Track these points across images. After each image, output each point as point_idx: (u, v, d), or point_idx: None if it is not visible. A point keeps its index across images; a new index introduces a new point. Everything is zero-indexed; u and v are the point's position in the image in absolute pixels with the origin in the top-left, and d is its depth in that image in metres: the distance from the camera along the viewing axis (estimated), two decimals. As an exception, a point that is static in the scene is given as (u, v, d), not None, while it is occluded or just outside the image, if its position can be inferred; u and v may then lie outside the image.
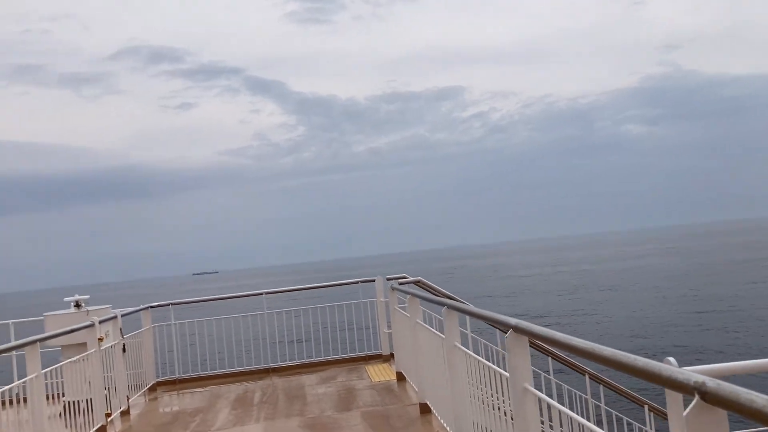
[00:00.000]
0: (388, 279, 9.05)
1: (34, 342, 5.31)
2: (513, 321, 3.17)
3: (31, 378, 5.27)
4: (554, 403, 3.11)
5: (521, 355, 3.18)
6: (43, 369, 5.49)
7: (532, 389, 3.10)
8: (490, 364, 3.92)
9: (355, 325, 9.51)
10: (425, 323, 6.06)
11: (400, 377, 7.91)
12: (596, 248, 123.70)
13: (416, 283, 8.05)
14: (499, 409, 3.84)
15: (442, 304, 4.89)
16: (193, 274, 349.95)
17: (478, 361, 4.15)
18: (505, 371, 3.40)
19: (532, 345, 4.13)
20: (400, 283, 7.92)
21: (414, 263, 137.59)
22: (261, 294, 9.42)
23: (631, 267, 63.19)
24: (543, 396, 3.15)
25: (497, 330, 6.66)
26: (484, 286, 56.94)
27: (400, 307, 7.71)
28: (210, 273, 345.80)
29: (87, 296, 8.11)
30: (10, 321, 8.74)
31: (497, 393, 3.69)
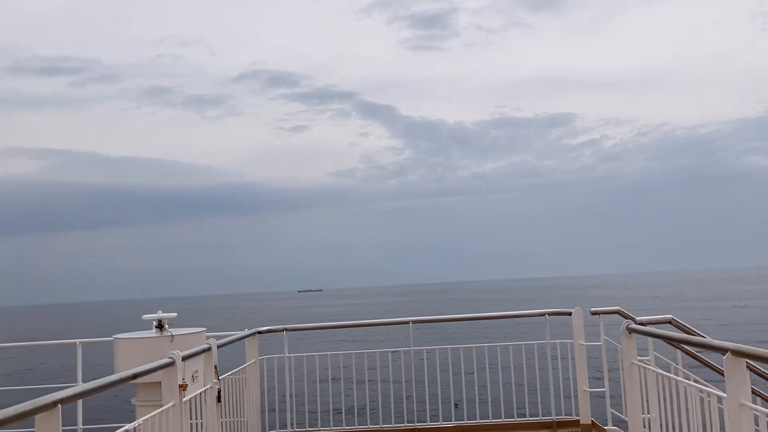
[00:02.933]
0: (595, 313, 6.20)
1: (53, 405, 2.83)
2: None
3: None
4: None
5: None
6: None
7: None
8: None
9: (537, 375, 6.62)
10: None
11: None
12: (746, 283, 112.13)
13: (669, 323, 5.12)
14: None
15: (721, 350, 3.31)
16: (299, 291, 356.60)
17: None
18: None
19: None
20: (640, 323, 5.02)
21: (539, 291, 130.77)
22: (407, 323, 6.75)
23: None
24: None
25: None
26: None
27: (642, 360, 4.86)
28: (315, 291, 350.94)
29: (174, 314, 5.79)
30: (78, 340, 6.60)
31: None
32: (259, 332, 6.47)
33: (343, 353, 6.75)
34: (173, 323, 5.78)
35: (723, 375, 3.37)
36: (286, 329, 6.66)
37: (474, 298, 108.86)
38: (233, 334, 6.15)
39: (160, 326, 5.63)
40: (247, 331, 6.31)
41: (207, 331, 5.97)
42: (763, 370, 4.76)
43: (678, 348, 4.90)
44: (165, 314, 5.68)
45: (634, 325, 4.87)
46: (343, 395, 7.00)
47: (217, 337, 5.56)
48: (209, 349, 5.05)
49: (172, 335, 5.46)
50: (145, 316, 5.69)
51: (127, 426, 3.91)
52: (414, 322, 6.72)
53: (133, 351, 5.47)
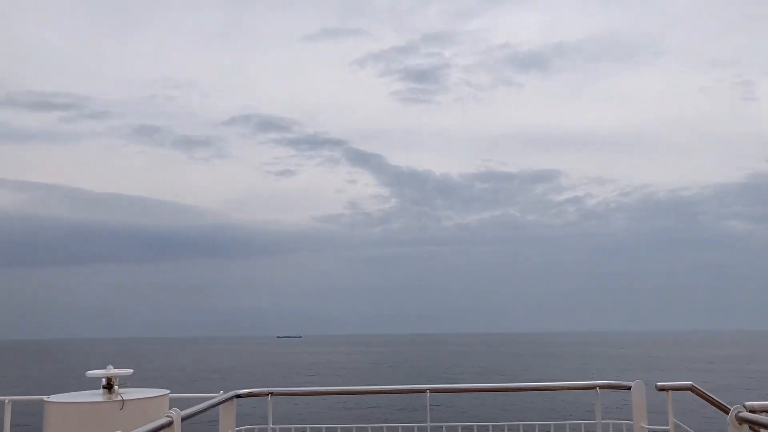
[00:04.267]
0: (663, 388, 4.95)
1: None
2: None
3: None
4: None
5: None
6: None
7: None
8: None
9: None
10: None
11: None
12: (727, 346, 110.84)
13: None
14: None
15: None
16: (278, 337, 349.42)
17: None
18: None
19: None
20: (751, 409, 3.76)
21: (524, 345, 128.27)
22: (424, 391, 5.41)
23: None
24: None
25: None
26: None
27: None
28: (294, 337, 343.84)
29: (128, 371, 4.44)
30: (7, 398, 5.18)
31: None
32: (238, 396, 5.11)
33: (342, 427, 5.35)
34: (126, 382, 4.44)
35: None
36: (272, 393, 5.29)
37: (464, 350, 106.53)
38: (205, 398, 4.79)
39: (108, 386, 4.30)
40: (222, 395, 4.94)
41: (172, 392, 4.63)
42: None
43: None
44: (116, 371, 4.35)
45: (748, 414, 3.61)
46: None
47: (186, 400, 4.24)
48: (170, 423, 3.69)
49: (123, 400, 4.13)
50: (90, 373, 4.36)
51: None
52: (432, 390, 5.40)
53: (70, 419, 4.12)
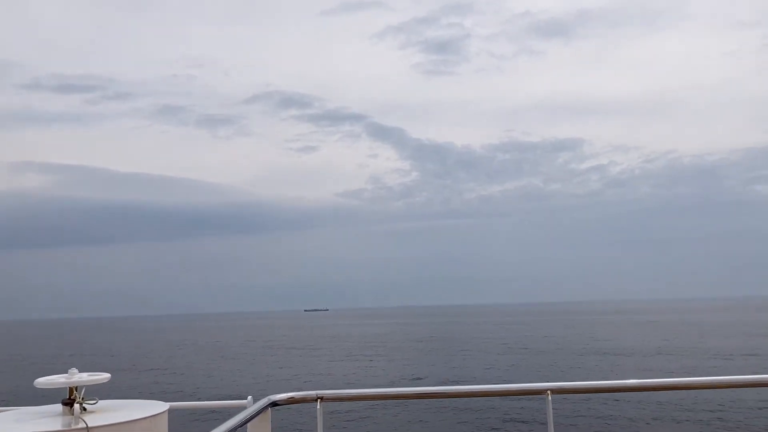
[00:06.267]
0: None
1: None
2: None
3: None
4: None
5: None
6: None
7: None
8: None
9: None
10: None
11: None
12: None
13: None
14: None
15: None
16: (305, 311, 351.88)
17: None
18: None
19: None
20: None
21: (532, 315, 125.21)
22: (544, 392, 3.67)
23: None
24: None
25: None
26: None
27: None
28: (321, 310, 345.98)
29: (103, 377, 2.77)
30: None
31: None
32: (274, 404, 3.40)
33: None
34: (97, 393, 2.77)
35: None
36: (323, 398, 3.58)
37: (487, 321, 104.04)
38: (224, 407, 3.13)
39: (69, 402, 2.65)
40: (251, 403, 3.24)
41: (174, 399, 2.93)
42: None
43: None
44: (82, 377, 2.70)
45: None
46: None
47: (194, 414, 2.58)
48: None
49: (87, 428, 2.47)
50: (41, 382, 2.71)
51: None
52: (555, 391, 3.66)
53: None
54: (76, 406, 2.59)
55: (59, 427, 2.47)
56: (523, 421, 17.57)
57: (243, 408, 2.99)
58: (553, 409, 3.47)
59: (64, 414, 2.63)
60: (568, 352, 40.57)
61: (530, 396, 3.97)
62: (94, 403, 2.68)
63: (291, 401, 3.55)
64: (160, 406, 2.80)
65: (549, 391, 3.55)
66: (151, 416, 2.63)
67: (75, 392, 2.65)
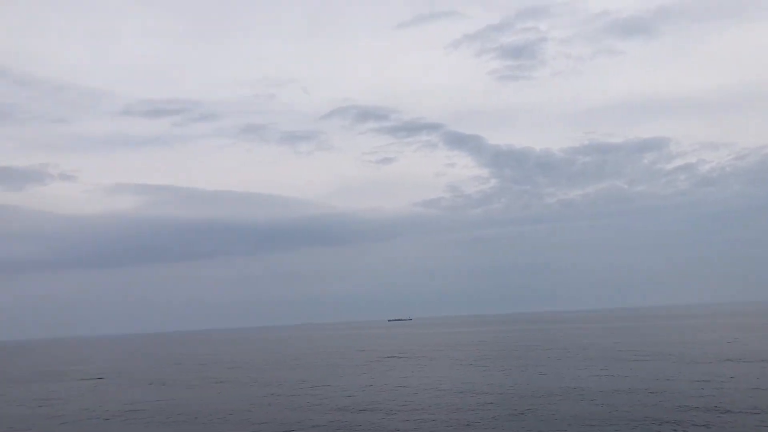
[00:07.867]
0: None
1: None
2: None
3: None
4: None
5: None
6: None
7: None
8: None
9: None
10: None
11: None
12: None
13: None
14: None
15: None
16: (389, 320, 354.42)
17: None
18: None
19: None
20: None
21: (628, 320, 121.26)
22: None
23: None
24: None
25: None
26: None
27: None
28: (405, 320, 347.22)
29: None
30: None
31: None
32: None
33: None
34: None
35: None
36: None
37: (582, 327, 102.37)
38: None
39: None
40: None
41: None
42: None
43: None
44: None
45: None
46: None
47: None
48: None
49: None
50: None
51: None
52: None
53: None
54: None
55: None
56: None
57: None
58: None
59: None
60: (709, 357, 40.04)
61: None
62: None
63: None
64: None
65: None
66: None
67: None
